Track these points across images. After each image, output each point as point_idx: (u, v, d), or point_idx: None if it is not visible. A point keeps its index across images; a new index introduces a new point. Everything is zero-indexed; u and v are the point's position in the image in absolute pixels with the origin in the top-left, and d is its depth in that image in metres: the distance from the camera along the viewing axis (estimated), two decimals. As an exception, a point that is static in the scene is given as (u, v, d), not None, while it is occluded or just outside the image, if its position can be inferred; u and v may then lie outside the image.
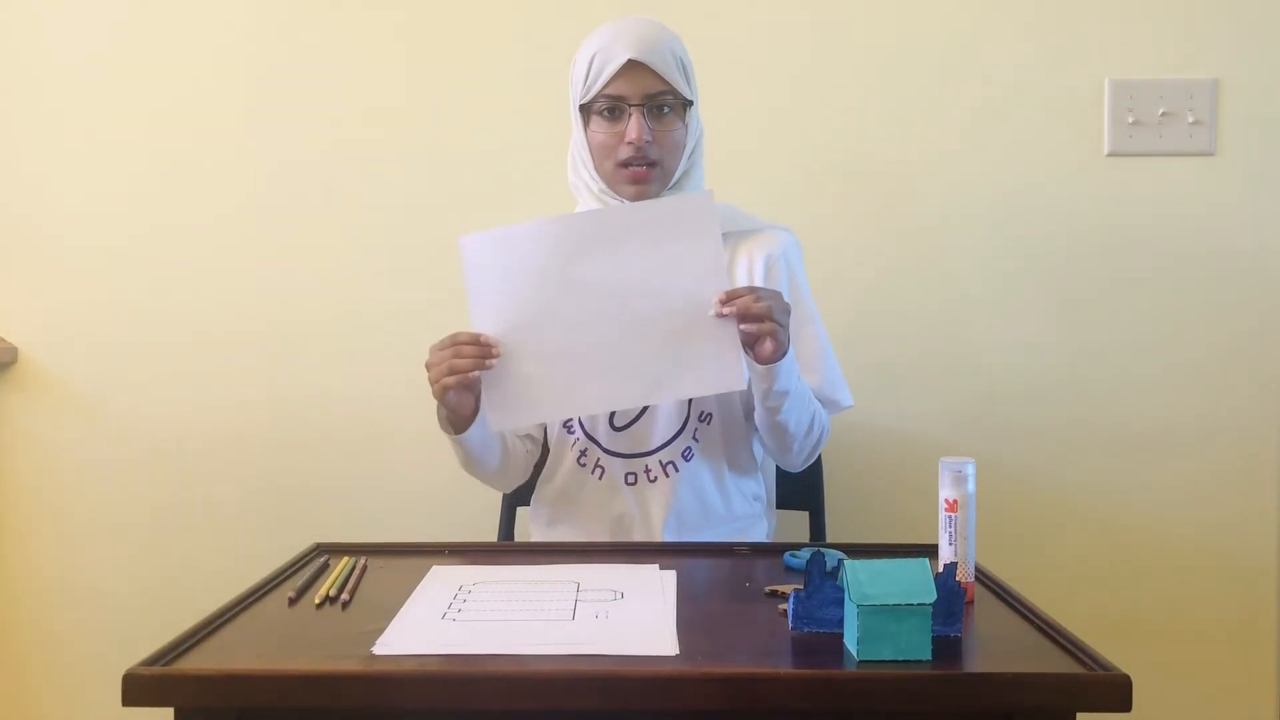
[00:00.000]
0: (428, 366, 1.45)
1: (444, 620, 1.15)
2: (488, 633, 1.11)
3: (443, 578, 1.32)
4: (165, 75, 2.08)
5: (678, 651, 1.05)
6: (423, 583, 1.30)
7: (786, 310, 1.44)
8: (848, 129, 2.05)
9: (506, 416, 1.45)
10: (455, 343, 1.42)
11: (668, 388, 1.44)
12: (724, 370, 1.42)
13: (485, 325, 1.43)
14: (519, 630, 1.12)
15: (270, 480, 2.10)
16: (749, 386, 1.53)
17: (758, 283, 1.62)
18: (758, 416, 1.57)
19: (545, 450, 1.71)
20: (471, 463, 1.59)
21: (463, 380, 1.41)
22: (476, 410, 1.49)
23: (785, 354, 1.46)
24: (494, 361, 1.41)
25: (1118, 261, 2.05)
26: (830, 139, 2.05)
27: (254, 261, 2.09)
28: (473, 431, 1.51)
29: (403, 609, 1.19)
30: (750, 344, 1.43)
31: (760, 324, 1.40)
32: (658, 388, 1.44)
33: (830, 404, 1.63)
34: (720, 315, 1.40)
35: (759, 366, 1.46)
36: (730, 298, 1.41)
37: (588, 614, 1.16)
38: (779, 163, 2.05)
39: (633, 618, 1.15)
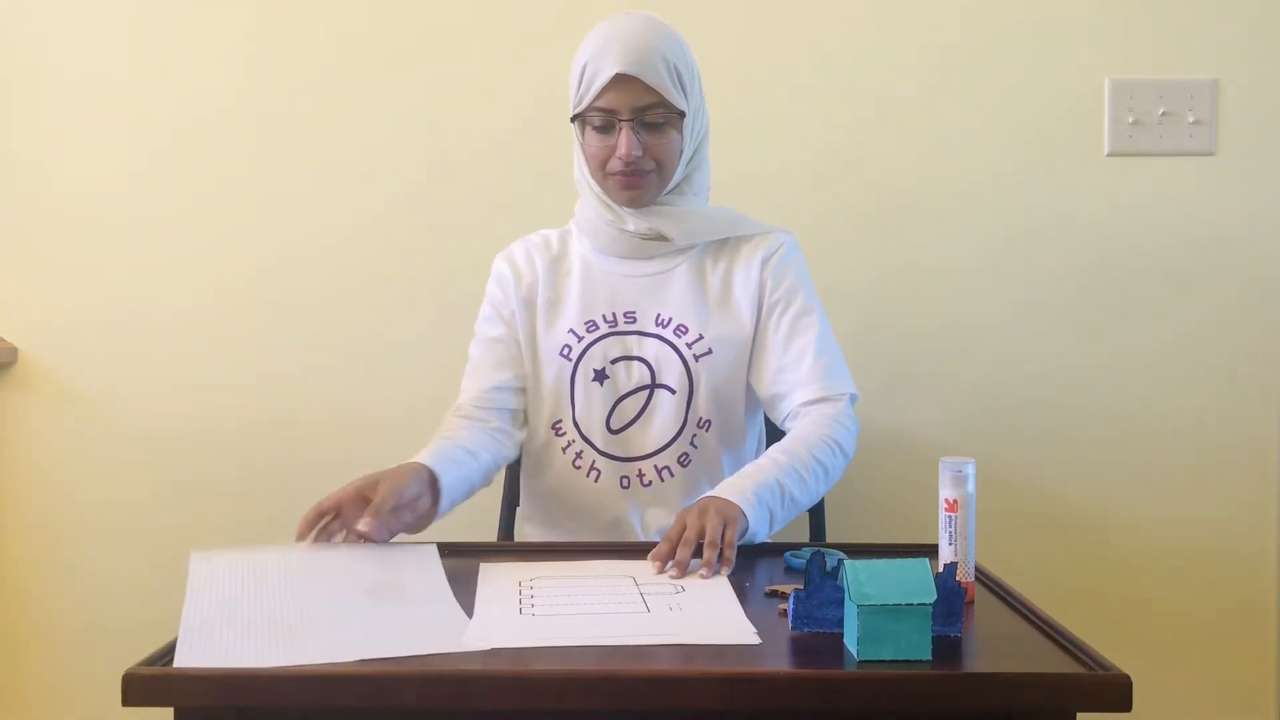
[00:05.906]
0: None
1: (523, 615, 1.15)
2: (575, 625, 1.12)
3: (492, 576, 1.29)
4: (166, 76, 2.08)
5: (760, 640, 1.06)
6: (479, 580, 1.27)
7: (721, 519, 1.31)
8: (847, 130, 2.05)
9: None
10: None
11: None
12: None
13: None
14: (605, 621, 1.13)
15: (270, 479, 2.10)
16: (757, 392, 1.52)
17: (753, 280, 1.61)
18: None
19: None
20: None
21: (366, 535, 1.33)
22: (434, 498, 1.44)
23: (746, 530, 1.35)
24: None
25: (1118, 261, 2.05)
26: (829, 140, 2.05)
27: (254, 262, 2.09)
28: (442, 505, 1.46)
29: (476, 605, 1.18)
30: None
31: (708, 554, 1.28)
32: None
33: (834, 399, 1.57)
34: (673, 577, 1.26)
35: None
36: (659, 557, 1.29)
37: (660, 606, 1.17)
38: (777, 166, 2.05)
39: (704, 609, 1.16)
